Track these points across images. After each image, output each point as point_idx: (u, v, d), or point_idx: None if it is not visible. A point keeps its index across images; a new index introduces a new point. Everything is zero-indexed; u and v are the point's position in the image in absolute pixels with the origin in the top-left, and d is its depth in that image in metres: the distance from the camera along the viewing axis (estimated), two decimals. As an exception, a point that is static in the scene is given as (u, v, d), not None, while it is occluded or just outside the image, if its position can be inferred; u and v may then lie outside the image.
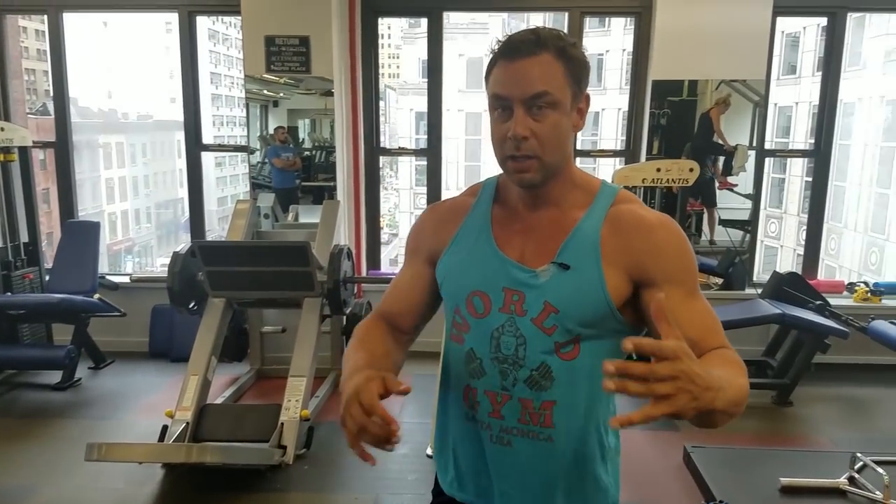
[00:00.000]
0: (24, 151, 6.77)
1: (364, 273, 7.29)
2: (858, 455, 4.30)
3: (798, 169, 22.10)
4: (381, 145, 7.53)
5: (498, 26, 27.78)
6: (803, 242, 7.62)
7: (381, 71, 7.44)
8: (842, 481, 4.20)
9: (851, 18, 7.07)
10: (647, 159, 6.83)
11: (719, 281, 7.09)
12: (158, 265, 33.93)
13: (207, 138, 7.54)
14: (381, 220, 7.75)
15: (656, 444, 5.31)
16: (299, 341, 5.50)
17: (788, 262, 22.72)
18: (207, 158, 7.57)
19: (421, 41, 27.45)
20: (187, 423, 4.90)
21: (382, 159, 7.57)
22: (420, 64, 34.78)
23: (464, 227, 1.84)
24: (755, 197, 7.03)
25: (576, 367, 1.69)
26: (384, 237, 8.17)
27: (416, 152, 8.37)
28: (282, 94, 6.80)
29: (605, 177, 8.28)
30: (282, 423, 4.87)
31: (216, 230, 20.49)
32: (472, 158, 31.60)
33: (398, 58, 43.75)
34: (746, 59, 6.68)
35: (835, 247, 22.57)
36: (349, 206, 7.09)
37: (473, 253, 1.79)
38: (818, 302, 6.48)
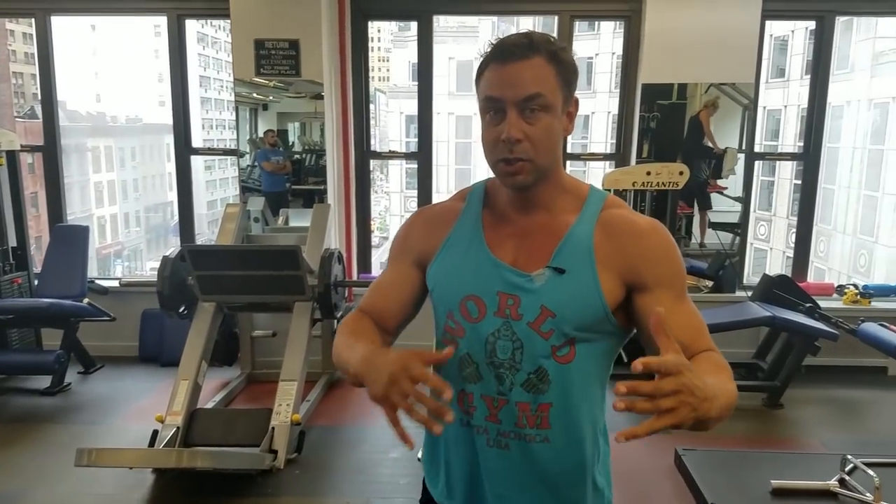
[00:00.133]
0: (12, 155, 6.75)
1: (355, 277, 7.28)
2: (849, 457, 4.31)
3: (787, 172, 22.13)
4: (372, 149, 7.52)
5: (487, 30, 27.78)
6: (792, 245, 7.63)
7: (370, 74, 7.43)
8: (833, 483, 4.21)
9: (839, 22, 7.09)
10: (637, 163, 6.84)
11: (709, 283, 7.09)
12: (148, 269, 33.89)
13: (197, 142, 7.53)
14: (372, 223, 7.74)
15: (647, 447, 5.28)
16: (290, 345, 5.49)
17: (778, 264, 22.74)
18: (197, 162, 7.56)
19: (411, 44, 27.49)
20: (178, 428, 4.90)
21: (373, 163, 7.57)
22: (410, 67, 34.78)
23: (454, 232, 1.84)
24: (745, 200, 7.04)
25: (571, 369, 1.69)
26: (375, 240, 8.18)
27: (407, 156, 8.37)
28: (271, 98, 6.79)
29: (596, 180, 8.29)
30: (273, 428, 4.87)
31: (206, 234, 20.48)
32: (462, 162, 31.61)
33: (388, 61, 43.74)
34: (735, 62, 6.69)
35: (824, 249, 22.61)
36: (339, 210, 7.08)
37: (466, 257, 1.78)
38: (808, 304, 6.49)
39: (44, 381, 6.39)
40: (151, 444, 4.85)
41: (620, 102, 7.20)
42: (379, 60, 44.34)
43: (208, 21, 31.20)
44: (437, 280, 1.82)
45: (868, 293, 7.12)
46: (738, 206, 7.01)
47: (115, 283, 7.25)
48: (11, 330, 6.70)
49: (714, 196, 6.95)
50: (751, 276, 7.73)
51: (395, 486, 4.72)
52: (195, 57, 35.67)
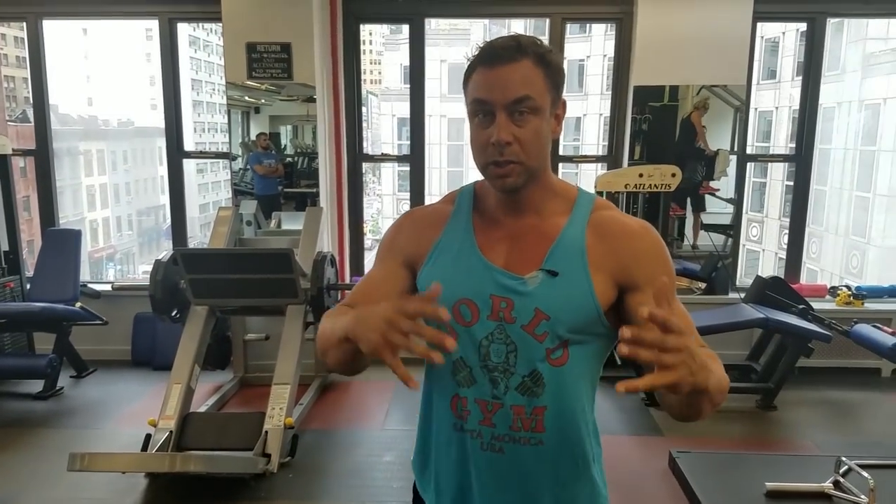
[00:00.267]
0: (3, 159, 6.74)
1: (347, 280, 7.27)
2: (843, 459, 4.31)
3: (778, 173, 22.19)
4: (364, 151, 7.52)
5: (479, 33, 27.81)
6: (785, 246, 7.64)
7: (362, 77, 7.43)
8: (827, 485, 4.22)
9: (830, 24, 7.10)
10: (630, 165, 6.85)
11: (702, 285, 7.10)
12: (140, 272, 33.85)
13: (189, 145, 7.54)
14: (365, 225, 7.74)
15: (642, 449, 5.31)
16: (283, 349, 5.49)
17: (770, 265, 22.80)
18: (189, 165, 7.55)
19: (402, 47, 27.47)
20: (171, 432, 4.88)
21: (365, 165, 7.57)
22: (402, 70, 34.80)
23: (445, 236, 1.83)
24: (737, 201, 7.05)
25: (565, 372, 1.69)
26: (367, 243, 8.16)
27: (399, 158, 8.37)
28: (263, 101, 6.79)
29: (588, 182, 8.25)
30: (266, 432, 4.86)
31: (198, 237, 20.47)
32: (454, 164, 31.61)
33: (380, 64, 43.80)
34: (727, 64, 6.70)
35: (816, 250, 22.68)
36: (332, 213, 7.08)
37: (458, 261, 1.78)
38: (801, 306, 6.49)
39: (36, 386, 6.38)
40: (144, 448, 4.84)
41: (612, 105, 7.22)
42: (371, 63, 44.40)
43: (200, 24, 31.20)
44: (429, 284, 1.80)
45: (861, 294, 7.12)
46: (731, 208, 7.02)
47: (108, 287, 7.25)
48: (4, 334, 6.70)
49: (707, 198, 6.96)
50: (743, 277, 7.73)
51: (389, 489, 4.71)
52: (187, 60, 35.65)
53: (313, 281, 5.60)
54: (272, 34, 6.55)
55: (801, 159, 7.27)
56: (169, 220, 7.70)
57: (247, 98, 6.79)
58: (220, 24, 6.64)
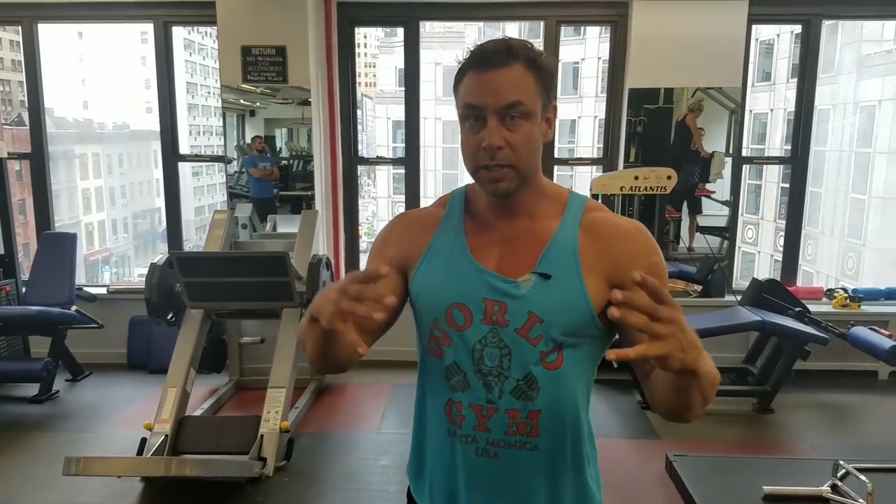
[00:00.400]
0: (-1, 163, 6.74)
1: (343, 282, 7.25)
2: (841, 462, 4.29)
3: (774, 175, 22.19)
4: (359, 154, 7.52)
5: (474, 35, 27.79)
6: (780, 248, 7.64)
7: (357, 80, 7.43)
8: (825, 489, 4.20)
9: (825, 26, 7.11)
10: (625, 167, 6.85)
11: (698, 288, 7.10)
12: (136, 275, 33.79)
13: (184, 148, 7.52)
14: (360, 228, 7.74)
15: (638, 452, 5.31)
16: (278, 352, 5.48)
17: (766, 267, 22.79)
18: (184, 168, 7.55)
19: (397, 50, 27.42)
20: (166, 436, 4.88)
21: (360, 168, 7.56)
22: (397, 73, 34.76)
23: (436, 239, 1.82)
24: (733, 204, 7.06)
25: (560, 375, 1.68)
26: (363, 245, 8.16)
27: (394, 161, 8.37)
28: (258, 104, 6.78)
29: (583, 185, 8.24)
30: (261, 435, 4.86)
31: (194, 240, 20.45)
32: (449, 166, 31.58)
33: (374, 67, 43.75)
34: (722, 66, 6.71)
35: (812, 252, 22.67)
36: (327, 216, 7.08)
37: (450, 265, 1.77)
38: (798, 309, 6.48)
39: (32, 389, 6.36)
40: (140, 452, 4.83)
41: (607, 107, 7.22)
42: (366, 66, 44.33)
43: (195, 28, 31.17)
44: (422, 289, 1.80)
45: (857, 297, 7.13)
46: (726, 210, 7.03)
47: (103, 291, 7.25)
48: (-1, 338, 6.69)
49: (702, 200, 6.96)
50: (739, 279, 7.73)
51: (384, 493, 4.71)
52: (182, 63, 35.62)
53: (309, 284, 5.61)
54: (267, 37, 6.55)
55: (796, 161, 7.27)
56: (164, 223, 7.69)
57: (242, 101, 6.79)
58: (215, 28, 6.64)
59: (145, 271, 5.75)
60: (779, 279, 7.06)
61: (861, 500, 4.09)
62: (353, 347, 1.41)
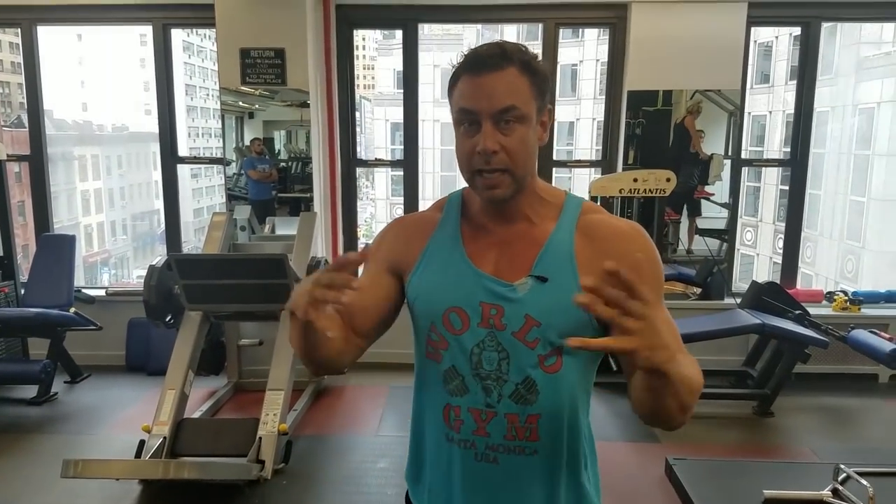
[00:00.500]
0: (-2, 165, 6.74)
1: (341, 285, 7.25)
2: (842, 467, 4.29)
3: (772, 177, 22.17)
4: (358, 156, 7.51)
5: (472, 37, 27.79)
6: (779, 250, 7.63)
7: (356, 82, 7.43)
8: (826, 493, 4.20)
9: (823, 28, 7.10)
10: (624, 169, 6.85)
11: (698, 290, 7.09)
12: (135, 277, 33.77)
13: (183, 150, 7.52)
14: (358, 230, 7.74)
15: (638, 456, 5.30)
16: (277, 354, 5.48)
17: (764, 270, 22.79)
18: (183, 170, 7.54)
19: (396, 52, 27.41)
20: (164, 438, 4.87)
21: (359, 170, 7.56)
22: (395, 75, 34.77)
23: (433, 243, 1.82)
24: (732, 206, 7.05)
25: (558, 378, 1.68)
26: (361, 247, 8.14)
27: (393, 163, 8.35)
28: (257, 106, 6.78)
29: (582, 187, 8.24)
30: (260, 438, 4.85)
31: (192, 241, 20.42)
32: (448, 169, 31.55)
33: (373, 69, 43.73)
34: (721, 68, 6.71)
35: (811, 255, 22.65)
36: (326, 218, 7.08)
37: (447, 269, 1.77)
38: (798, 311, 6.47)
39: (30, 391, 6.36)
40: (138, 454, 4.82)
41: (606, 109, 7.21)
42: (364, 68, 44.32)
43: (194, 30, 31.17)
44: (419, 293, 1.80)
45: (858, 300, 7.10)
46: (725, 213, 7.02)
47: (102, 293, 7.24)
48: (-2, 339, 6.69)
49: (702, 202, 6.95)
50: (738, 282, 7.72)
51: (383, 496, 4.70)
52: (181, 66, 35.62)
53: (307, 286, 5.59)
54: (266, 39, 6.55)
55: (796, 164, 7.26)
56: (163, 225, 7.68)
57: (241, 103, 6.78)
58: (214, 30, 6.64)
59: (144, 273, 5.75)
60: (778, 282, 7.05)
61: (862, 504, 4.07)
62: (323, 332, 1.48)
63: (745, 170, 7.49)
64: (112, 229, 36.73)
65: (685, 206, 6.97)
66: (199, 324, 5.60)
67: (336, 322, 1.64)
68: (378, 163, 9.47)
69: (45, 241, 7.16)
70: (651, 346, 1.30)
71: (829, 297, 7.28)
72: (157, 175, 7.62)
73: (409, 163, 7.36)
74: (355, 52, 7.42)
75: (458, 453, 1.75)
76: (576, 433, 1.75)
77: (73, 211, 33.06)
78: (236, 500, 4.58)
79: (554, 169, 7.33)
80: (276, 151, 6.94)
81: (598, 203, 5.93)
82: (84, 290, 7.27)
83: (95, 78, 43.29)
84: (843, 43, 21.75)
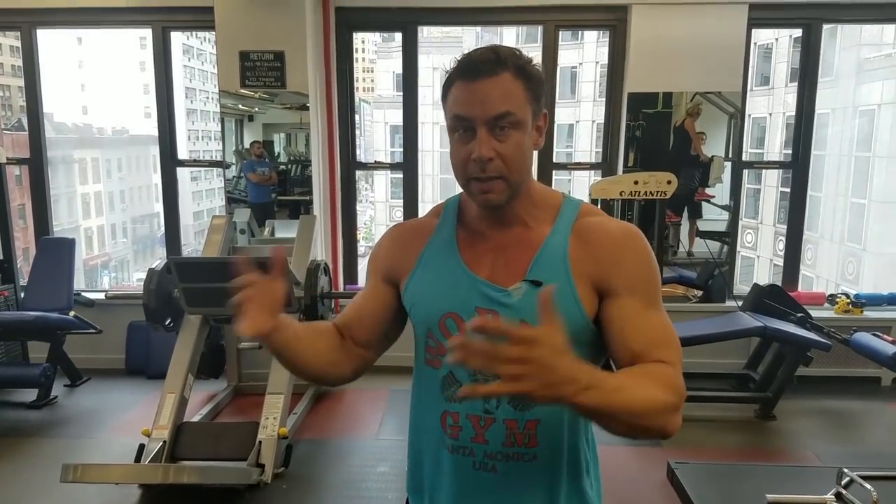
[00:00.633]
0: (-3, 168, 6.73)
1: (341, 288, 7.25)
2: (845, 470, 4.25)
3: (772, 179, 22.19)
4: (357, 159, 7.50)
5: (472, 40, 27.81)
6: (779, 253, 7.63)
7: (355, 85, 7.43)
8: (829, 498, 4.15)
9: (824, 30, 7.09)
10: (624, 172, 6.84)
11: (699, 293, 7.08)
12: (135, 279, 33.86)
13: (183, 153, 7.52)
14: (358, 233, 7.74)
15: (639, 460, 5.28)
16: (276, 358, 5.45)
17: (765, 272, 22.80)
18: (183, 173, 7.55)
19: (395, 55, 27.45)
20: (164, 442, 4.86)
21: (358, 173, 7.55)
22: (394, 77, 34.80)
23: (428, 249, 1.81)
24: (733, 208, 7.04)
25: None
26: (360, 249, 8.15)
27: (392, 166, 8.35)
28: (257, 109, 6.77)
29: (582, 189, 8.25)
30: (260, 442, 4.83)
31: (192, 244, 20.47)
32: (447, 171, 31.27)
33: (372, 71, 43.82)
34: (722, 70, 6.69)
35: (811, 257, 22.66)
36: (325, 221, 7.07)
37: (442, 275, 1.76)
38: (800, 314, 6.45)
39: (30, 395, 6.35)
40: (138, 458, 4.81)
41: (606, 111, 7.19)
42: (364, 71, 44.40)
43: (193, 33, 31.20)
44: (415, 299, 1.80)
45: (860, 302, 7.07)
46: (726, 215, 7.01)
47: (102, 296, 7.23)
48: (-2, 343, 6.69)
49: (702, 204, 6.95)
50: (738, 284, 7.71)
51: (383, 500, 4.69)
52: (181, 69, 35.69)
53: (307, 289, 5.59)
54: (265, 42, 6.54)
55: (797, 166, 7.25)
56: (163, 228, 7.68)
57: (240, 106, 6.78)
58: (214, 33, 6.63)
59: (144, 276, 5.74)
60: (780, 284, 7.03)
61: (866, 509, 4.03)
62: (286, 347, 1.69)
63: (745, 171, 7.48)
64: (112, 232, 36.84)
65: (686, 209, 6.97)
66: (199, 327, 5.59)
67: (269, 316, 1.72)
68: (378, 165, 9.46)
69: (44, 244, 7.15)
70: (548, 384, 1.27)
71: (831, 299, 7.26)
72: (157, 178, 7.63)
73: (408, 165, 7.35)
74: (355, 55, 7.41)
75: (457, 461, 1.74)
76: (576, 439, 1.73)
77: (74, 214, 33.17)
78: (236, 505, 4.58)
79: (554, 171, 7.31)
80: (276, 154, 6.94)
81: (599, 206, 5.94)
82: (84, 294, 7.26)
83: (95, 81, 43.41)
84: (844, 45, 21.78)
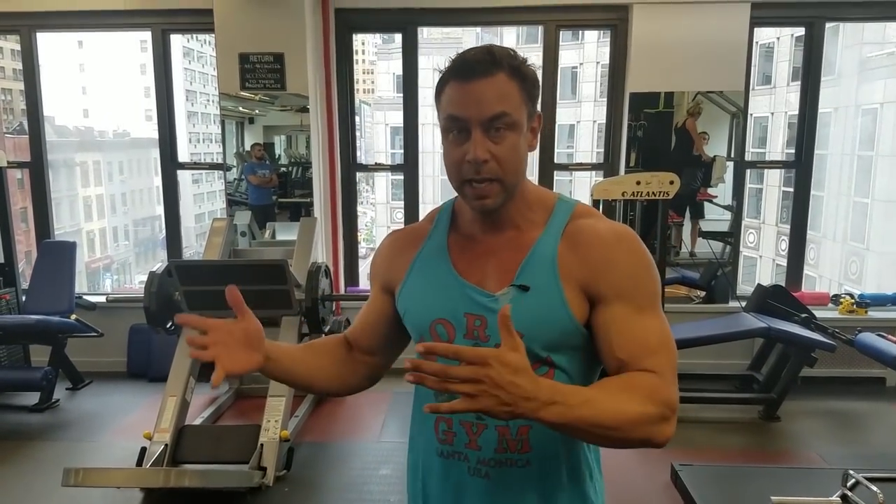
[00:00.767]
0: (-1, 171, 6.73)
1: (342, 290, 7.25)
2: (850, 472, 4.25)
3: (775, 179, 22.17)
4: (358, 161, 7.49)
5: (472, 41, 27.81)
6: (782, 252, 7.61)
7: (355, 86, 7.42)
8: (834, 499, 4.15)
9: (826, 28, 7.07)
10: (626, 172, 6.82)
11: (702, 294, 7.06)
12: (137, 282, 33.87)
13: (183, 156, 7.51)
14: (358, 234, 7.72)
15: (643, 462, 5.25)
16: (278, 360, 5.44)
17: (767, 272, 22.77)
18: (184, 175, 7.54)
19: (395, 56, 27.44)
20: (166, 445, 4.85)
21: (359, 174, 7.54)
22: (395, 79, 34.81)
23: (420, 255, 1.80)
24: (736, 209, 7.03)
25: None
26: (361, 251, 8.14)
27: (393, 167, 8.34)
28: (257, 111, 6.77)
29: (583, 190, 8.24)
30: (261, 444, 4.82)
31: (194, 247, 20.50)
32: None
33: (373, 73, 43.84)
34: (724, 70, 6.68)
35: (814, 257, 22.62)
36: (326, 223, 7.06)
37: (433, 280, 1.75)
38: (804, 315, 6.43)
39: (32, 398, 6.35)
40: (139, 461, 4.80)
41: (608, 112, 7.17)
42: (364, 73, 44.43)
43: (193, 35, 31.23)
44: (407, 305, 1.78)
45: (864, 302, 7.05)
46: (728, 215, 6.99)
47: (103, 299, 7.22)
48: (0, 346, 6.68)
49: (705, 205, 6.93)
50: (741, 284, 7.68)
51: (385, 503, 4.68)
52: (181, 71, 35.72)
53: (308, 292, 5.58)
54: (265, 44, 6.54)
55: (800, 165, 7.22)
56: (165, 231, 7.68)
57: (240, 108, 6.77)
58: (213, 35, 6.62)
59: (146, 278, 5.74)
60: (783, 284, 7.01)
61: (872, 511, 4.00)
62: (284, 371, 1.79)
63: (748, 171, 7.46)
64: (114, 235, 36.90)
65: (688, 209, 6.95)
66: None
67: (251, 352, 1.78)
68: (378, 167, 9.46)
69: (46, 247, 7.15)
70: (504, 402, 1.30)
71: (835, 299, 7.24)
72: (159, 181, 7.62)
73: (409, 167, 7.34)
74: (355, 57, 7.41)
75: (452, 467, 1.72)
76: (575, 444, 1.71)
77: (76, 217, 33.21)
78: (238, 508, 4.57)
79: (555, 172, 7.29)
80: (277, 156, 6.93)
81: (601, 206, 5.93)
82: (85, 297, 7.25)
83: (96, 84, 43.45)
84: (846, 43, 21.74)
